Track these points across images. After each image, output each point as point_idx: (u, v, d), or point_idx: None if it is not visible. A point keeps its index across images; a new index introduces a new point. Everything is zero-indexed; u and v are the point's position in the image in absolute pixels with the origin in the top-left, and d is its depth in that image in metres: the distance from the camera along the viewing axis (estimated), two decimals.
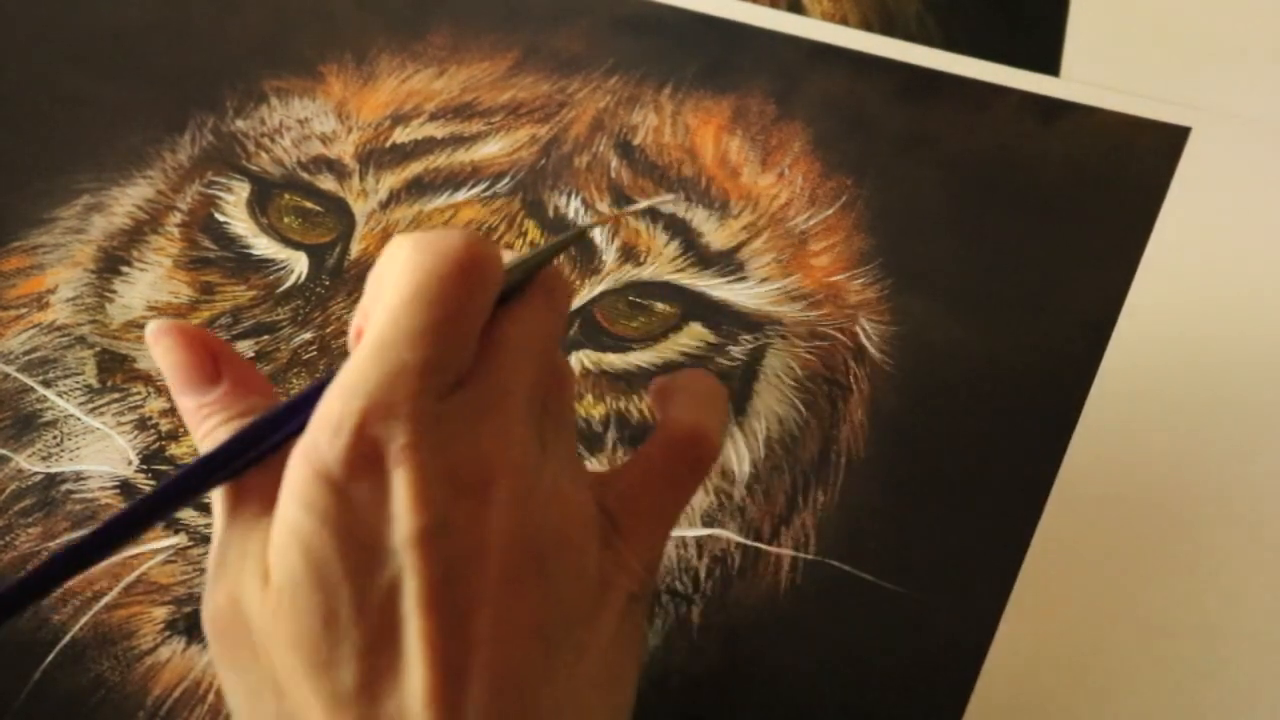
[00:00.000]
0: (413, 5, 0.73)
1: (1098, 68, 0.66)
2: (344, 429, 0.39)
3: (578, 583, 0.41)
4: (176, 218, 0.64)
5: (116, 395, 0.58)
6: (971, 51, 0.68)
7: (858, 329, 0.58)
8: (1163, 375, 0.57)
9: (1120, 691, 0.49)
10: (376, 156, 0.66)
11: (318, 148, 0.66)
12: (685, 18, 0.71)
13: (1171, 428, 0.55)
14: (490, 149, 0.66)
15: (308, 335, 0.59)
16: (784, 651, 0.50)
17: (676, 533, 0.53)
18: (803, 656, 0.49)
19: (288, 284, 0.61)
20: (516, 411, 0.41)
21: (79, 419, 0.57)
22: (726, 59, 0.69)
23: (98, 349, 0.60)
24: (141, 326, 0.60)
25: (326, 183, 0.65)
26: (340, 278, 0.61)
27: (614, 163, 0.65)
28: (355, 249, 0.62)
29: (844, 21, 0.70)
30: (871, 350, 0.58)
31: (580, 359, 0.58)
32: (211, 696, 0.50)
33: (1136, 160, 0.64)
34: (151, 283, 0.62)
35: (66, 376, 0.59)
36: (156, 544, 0.54)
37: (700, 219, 0.62)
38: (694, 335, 0.59)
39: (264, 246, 0.63)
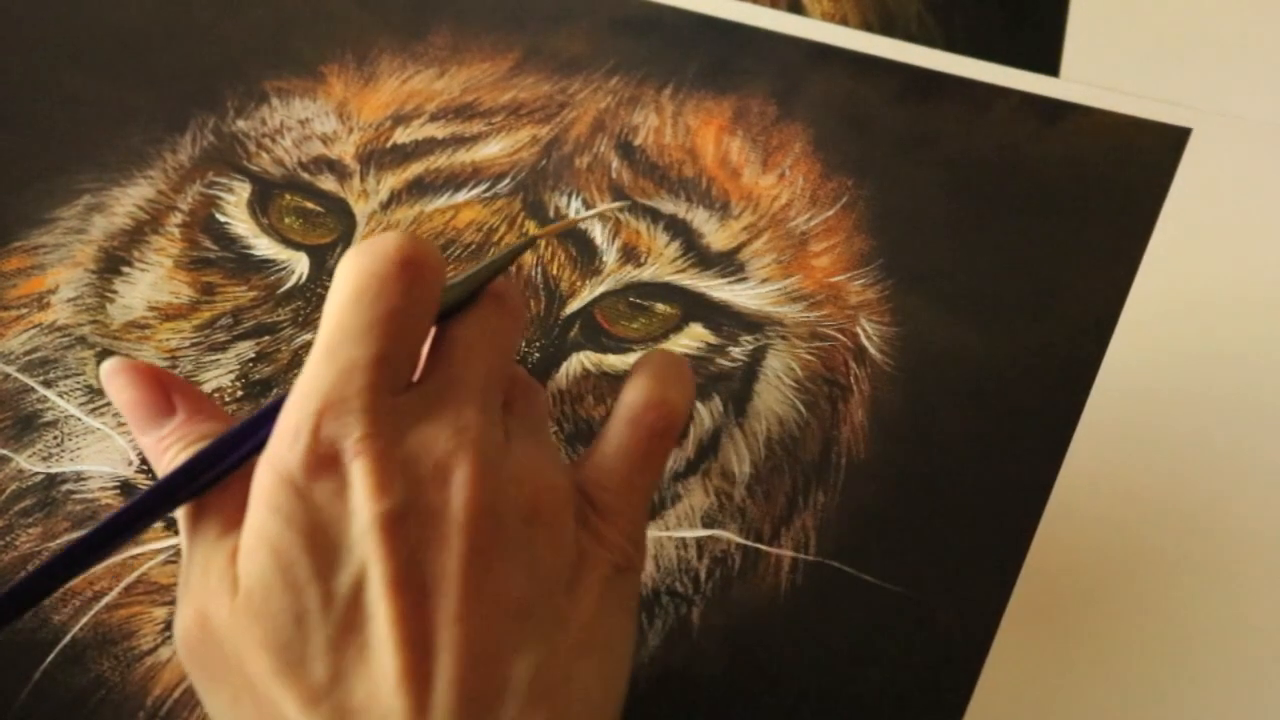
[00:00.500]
0: (414, 5, 0.73)
1: (1098, 68, 0.66)
2: (302, 432, 0.40)
3: (553, 555, 0.41)
4: (177, 218, 0.64)
5: None
6: (971, 51, 0.68)
7: (858, 330, 0.58)
8: (1164, 376, 0.57)
9: (1121, 694, 0.49)
10: (377, 157, 0.66)
11: (318, 148, 0.66)
12: (686, 18, 0.71)
13: (1172, 429, 0.55)
14: (491, 149, 0.66)
15: (308, 336, 0.59)
16: (784, 653, 0.50)
17: (677, 533, 0.53)
18: (803, 658, 0.49)
19: (288, 285, 0.61)
20: (473, 400, 0.42)
21: (79, 419, 0.57)
22: (728, 60, 0.69)
23: (98, 349, 0.60)
24: (143, 327, 0.60)
25: (327, 183, 0.65)
26: None
27: (615, 163, 0.65)
28: None
29: (844, 21, 0.70)
30: (872, 351, 0.58)
31: (581, 360, 0.58)
32: None
33: (1137, 161, 0.64)
34: (152, 283, 0.62)
35: (67, 377, 0.59)
36: (157, 544, 0.54)
37: (701, 220, 0.62)
38: (694, 336, 0.58)
39: (265, 247, 0.63)
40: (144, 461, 0.56)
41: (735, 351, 0.58)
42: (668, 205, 0.63)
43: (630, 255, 0.61)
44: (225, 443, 0.42)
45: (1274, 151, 0.64)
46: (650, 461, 0.46)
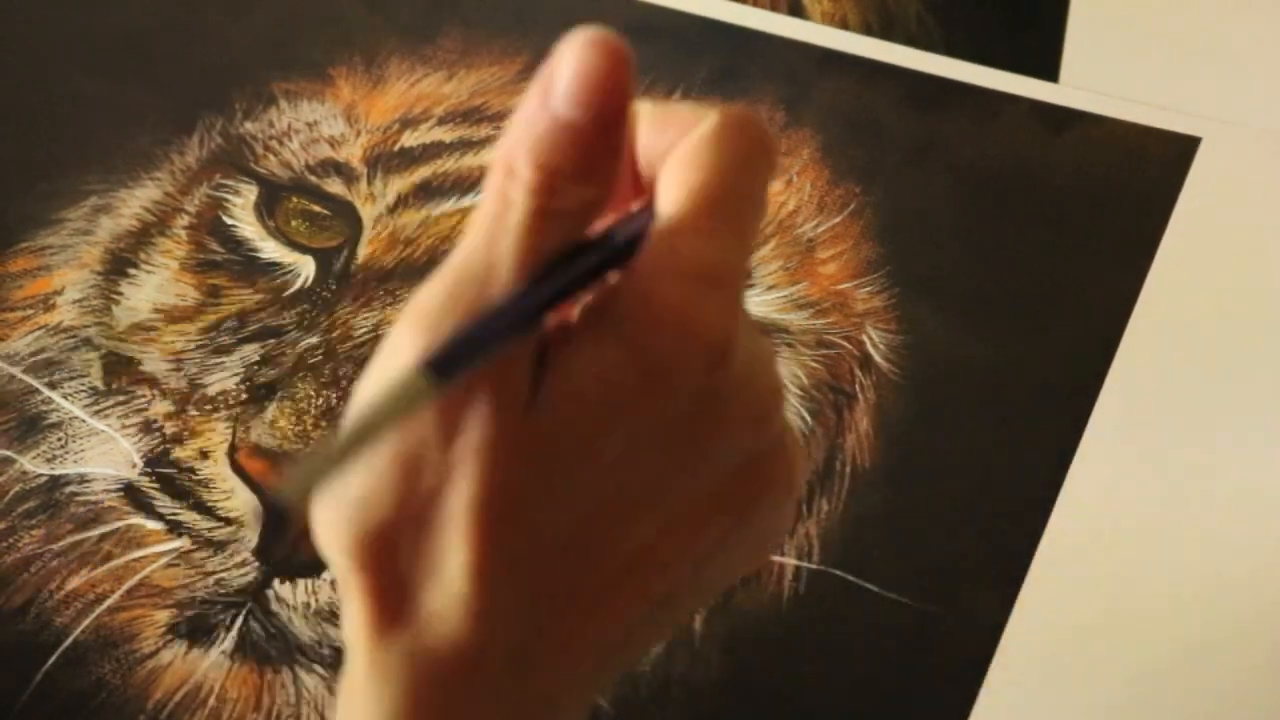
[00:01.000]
0: (423, 9, 0.73)
1: (1098, 73, 0.66)
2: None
3: None
4: (184, 220, 0.64)
5: (122, 398, 0.58)
6: (971, 53, 0.68)
7: (864, 337, 0.58)
8: (1170, 385, 0.56)
9: (1124, 703, 0.49)
10: (385, 160, 0.65)
11: (326, 151, 0.66)
12: (695, 23, 0.71)
13: (1179, 438, 0.55)
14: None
15: (314, 339, 0.59)
16: (786, 661, 0.50)
17: None
18: (805, 666, 0.49)
19: (294, 288, 0.61)
20: None
21: (84, 421, 0.57)
22: (736, 65, 0.69)
23: (104, 351, 0.60)
24: (148, 329, 0.60)
25: (334, 186, 0.65)
26: (347, 282, 0.61)
27: None
28: (362, 253, 0.62)
29: (844, 21, 0.69)
30: (878, 359, 0.58)
31: None
32: (212, 700, 0.50)
33: (1146, 170, 0.64)
34: (158, 285, 0.62)
35: (72, 378, 0.59)
36: (159, 547, 0.54)
37: None
38: None
39: (271, 250, 0.63)
40: (146, 464, 0.56)
41: None
42: None
43: None
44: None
45: None
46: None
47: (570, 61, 0.35)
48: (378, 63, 0.70)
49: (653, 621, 0.39)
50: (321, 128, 0.67)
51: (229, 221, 0.64)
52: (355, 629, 0.35)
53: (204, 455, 0.56)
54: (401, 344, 0.34)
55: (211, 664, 0.51)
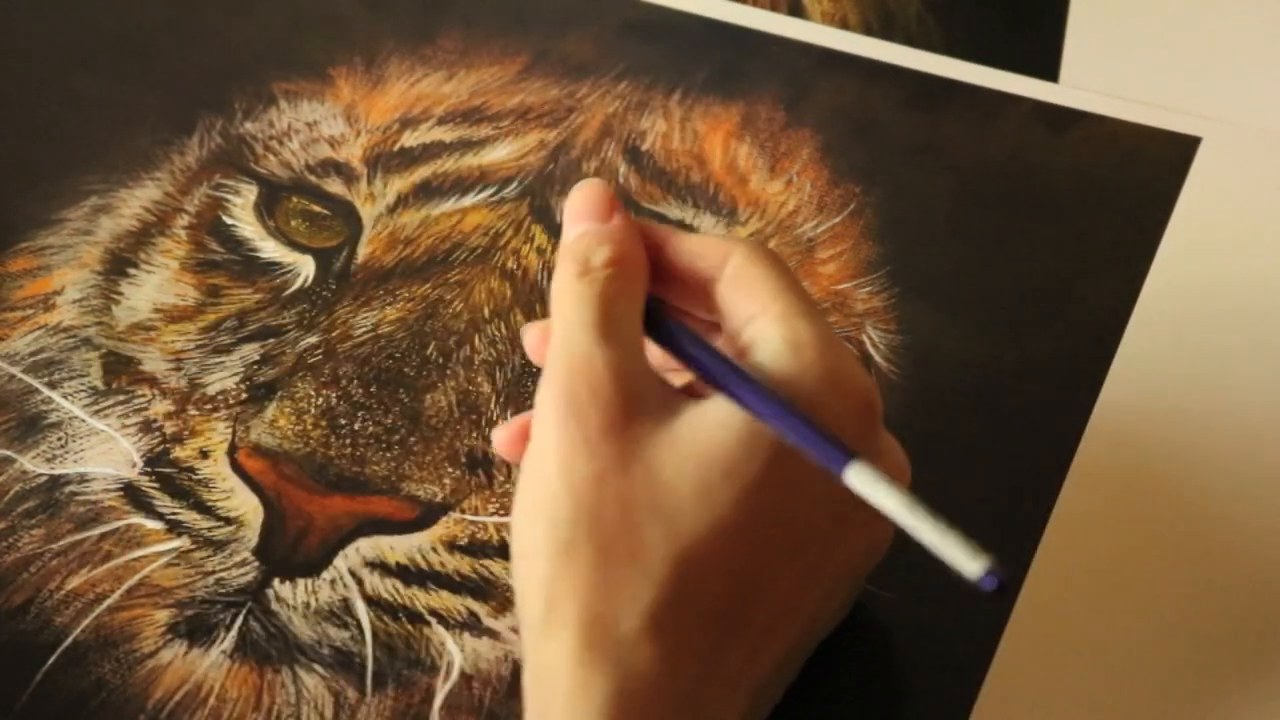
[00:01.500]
0: (422, 9, 0.73)
1: (1098, 73, 0.66)
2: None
3: None
4: (184, 220, 0.64)
5: (121, 397, 0.58)
6: (971, 53, 0.68)
7: (864, 337, 0.58)
8: (1170, 385, 0.56)
9: (1124, 705, 0.49)
10: (384, 160, 0.66)
11: (326, 151, 0.66)
12: (695, 23, 0.71)
13: (1179, 437, 0.55)
14: (498, 154, 0.66)
15: (313, 339, 0.59)
16: None
17: None
18: (803, 667, 0.49)
19: (294, 287, 0.61)
20: None
21: (84, 421, 0.57)
22: (736, 65, 0.69)
23: (103, 351, 0.60)
24: (148, 329, 0.60)
25: (334, 186, 0.65)
26: (347, 282, 0.61)
27: (622, 168, 0.65)
28: (362, 253, 0.62)
29: (844, 21, 0.69)
30: (878, 359, 0.58)
31: None
32: (212, 700, 0.50)
33: (1146, 169, 0.64)
34: (158, 285, 0.62)
35: (72, 378, 0.59)
36: (159, 546, 0.54)
37: (708, 225, 0.62)
38: None
39: (271, 250, 0.63)
40: (147, 463, 0.56)
41: None
42: (675, 211, 0.63)
43: None
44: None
45: None
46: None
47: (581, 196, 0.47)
48: (377, 63, 0.70)
49: (789, 663, 0.46)
50: (321, 128, 0.67)
51: (229, 221, 0.64)
52: (561, 655, 0.41)
53: (204, 455, 0.56)
54: (569, 440, 0.42)
55: (211, 663, 0.51)
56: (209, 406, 0.57)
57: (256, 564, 0.53)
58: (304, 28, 0.72)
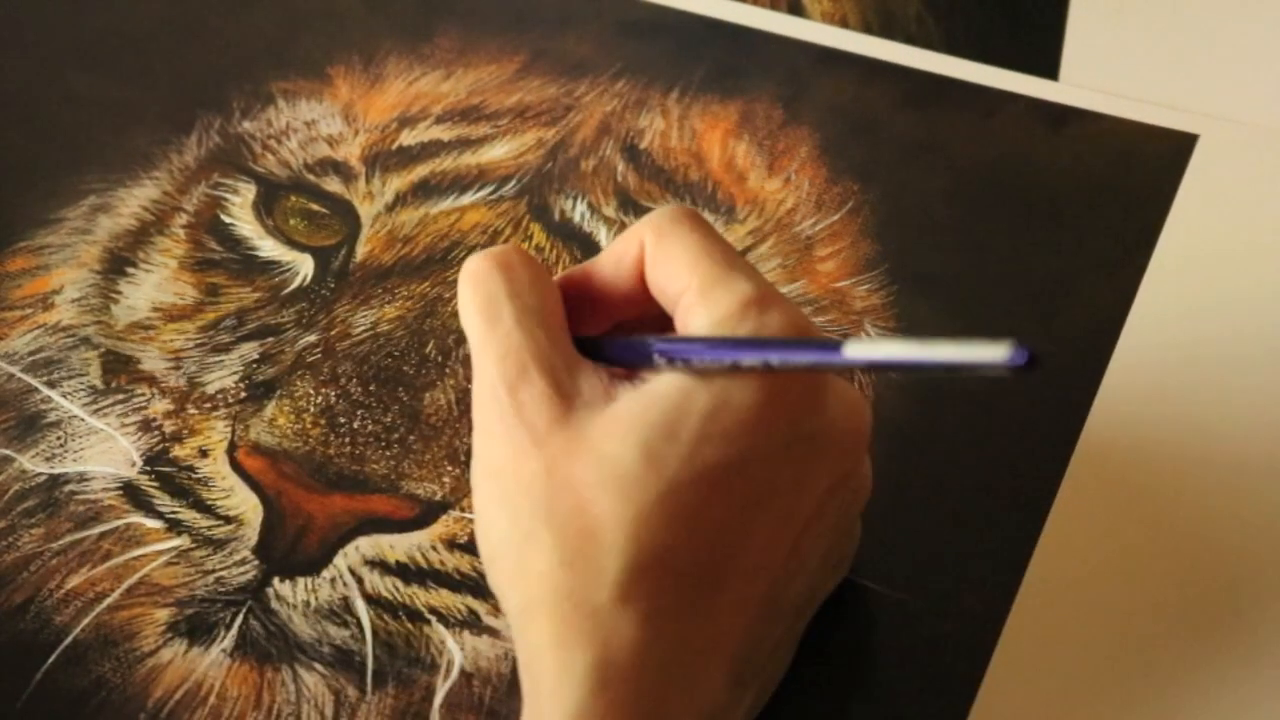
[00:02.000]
0: (420, 8, 0.73)
1: (1098, 72, 0.66)
2: None
3: None
4: (182, 219, 0.64)
5: (120, 396, 0.58)
6: (971, 52, 0.68)
7: (863, 335, 0.58)
8: (1169, 383, 0.56)
9: (1124, 703, 0.49)
10: (383, 159, 0.66)
11: (324, 150, 0.66)
12: (693, 22, 0.71)
13: (1177, 435, 0.55)
14: (496, 152, 0.66)
15: (312, 338, 0.59)
16: None
17: None
18: (803, 665, 0.49)
19: (293, 286, 0.61)
20: None
21: (83, 420, 0.57)
22: (734, 63, 0.69)
23: (102, 350, 0.60)
24: (147, 328, 0.60)
25: (333, 185, 0.65)
26: (345, 280, 0.61)
27: (620, 167, 0.65)
28: (360, 251, 0.62)
29: (844, 21, 0.70)
30: None
31: None
32: (212, 699, 0.50)
33: (1143, 167, 0.64)
34: (157, 284, 0.62)
35: (71, 377, 0.59)
36: (158, 545, 0.54)
37: None
38: None
39: (269, 248, 0.63)
40: (146, 462, 0.56)
41: None
42: None
43: None
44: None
45: None
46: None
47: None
48: (375, 62, 0.70)
49: (778, 620, 0.46)
50: (320, 126, 0.67)
51: (227, 220, 0.64)
52: (542, 638, 0.42)
53: (203, 453, 0.56)
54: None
55: (211, 662, 0.51)
56: (208, 405, 0.57)
57: (256, 563, 0.53)
58: (302, 27, 0.72)
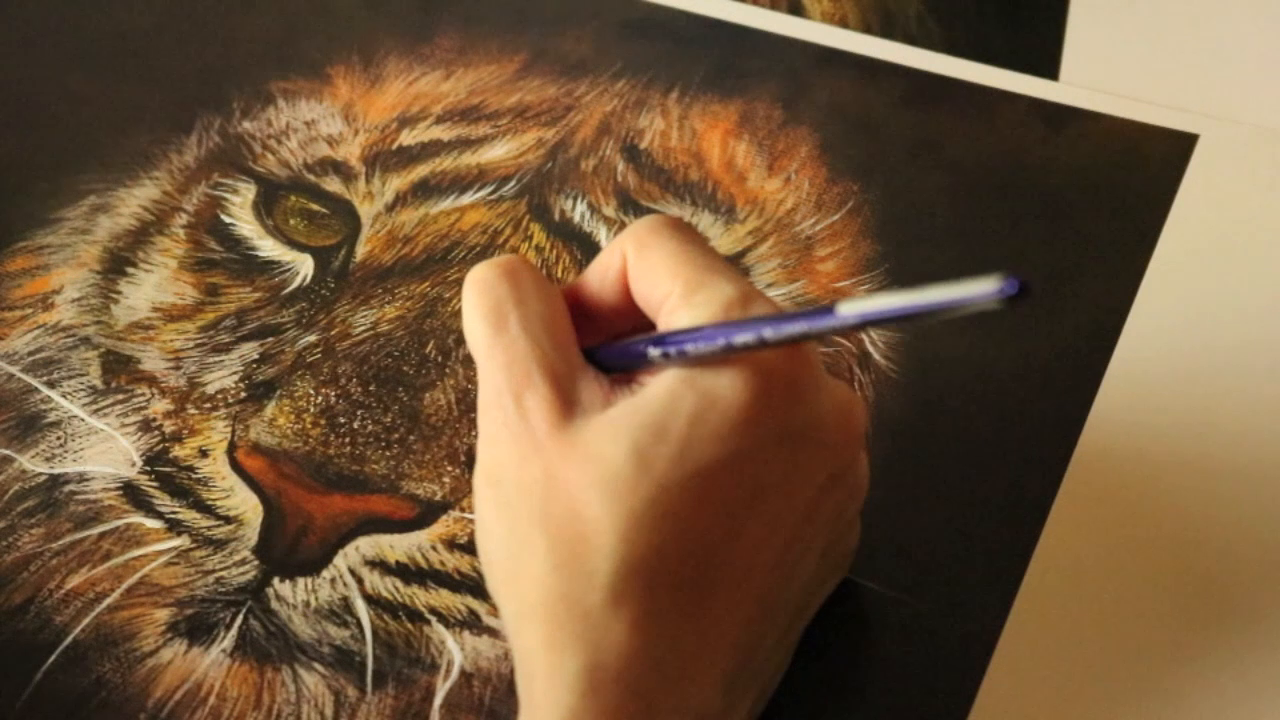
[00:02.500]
0: (420, 8, 0.73)
1: (1097, 72, 0.66)
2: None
3: None
4: (182, 219, 0.64)
5: (120, 396, 0.58)
6: (971, 52, 0.68)
7: (863, 335, 0.58)
8: (1169, 383, 0.56)
9: (1123, 703, 0.49)
10: (383, 159, 0.66)
11: (324, 150, 0.66)
12: (693, 22, 0.71)
13: (1177, 434, 0.55)
14: (496, 152, 0.66)
15: (312, 338, 0.59)
16: None
17: None
18: (803, 665, 0.49)
19: (293, 286, 0.61)
20: None
21: (83, 420, 0.57)
22: (734, 63, 0.69)
23: (102, 350, 0.60)
24: (147, 328, 0.60)
25: (333, 185, 0.65)
26: (345, 280, 0.61)
27: (620, 166, 0.65)
28: (360, 251, 0.62)
29: (844, 21, 0.70)
30: (876, 357, 0.58)
31: None
32: (212, 699, 0.50)
33: (1144, 167, 0.64)
34: (157, 284, 0.62)
35: (71, 377, 0.59)
36: (158, 546, 0.54)
37: (706, 224, 0.62)
38: None
39: (269, 248, 0.63)
40: (146, 462, 0.56)
41: None
42: (673, 209, 0.63)
43: None
44: None
45: None
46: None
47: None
48: (375, 61, 0.70)
49: (773, 620, 0.46)
50: (319, 126, 0.67)
51: (227, 220, 0.64)
52: (535, 642, 0.42)
53: (203, 453, 0.56)
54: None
55: (211, 662, 0.51)
56: (208, 405, 0.57)
57: (256, 563, 0.53)
58: (302, 27, 0.72)
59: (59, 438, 0.57)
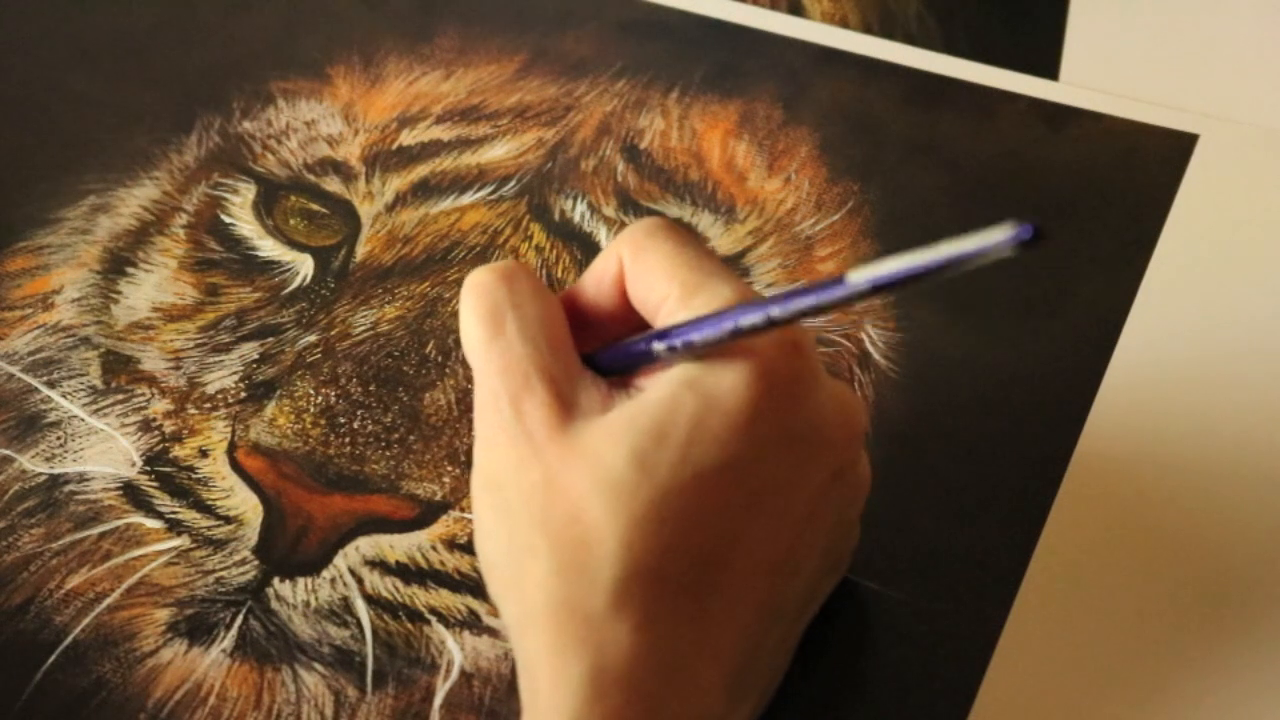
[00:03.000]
0: (420, 7, 0.73)
1: (1098, 72, 0.66)
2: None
3: None
4: (182, 219, 0.64)
5: (120, 396, 0.58)
6: (971, 52, 0.68)
7: (863, 335, 0.58)
8: (1169, 383, 0.57)
9: (1123, 703, 0.49)
10: (383, 159, 0.66)
11: (324, 150, 0.66)
12: (693, 22, 0.71)
13: (1177, 434, 0.55)
14: (496, 152, 0.66)
15: (312, 338, 0.59)
16: None
17: None
18: (803, 665, 0.49)
19: (293, 286, 0.61)
20: None
21: (83, 420, 0.57)
22: (734, 63, 0.69)
23: (102, 350, 0.60)
24: (147, 328, 0.60)
25: (333, 185, 0.65)
26: (345, 280, 0.61)
27: (620, 166, 0.65)
28: (360, 251, 0.62)
29: (844, 21, 0.70)
30: (876, 356, 0.58)
31: None
32: (212, 699, 0.50)
33: (1143, 167, 0.64)
34: (157, 284, 0.62)
35: (71, 377, 0.59)
36: (158, 546, 0.54)
37: (706, 224, 0.62)
38: None
39: (269, 248, 0.63)
40: (146, 462, 0.56)
41: None
42: (673, 209, 0.63)
43: None
44: None
45: None
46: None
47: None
48: (375, 61, 0.70)
49: (776, 621, 0.46)
50: (319, 126, 0.67)
51: (227, 220, 0.64)
52: (538, 646, 0.42)
53: (203, 453, 0.56)
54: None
55: (211, 662, 0.51)
56: (208, 405, 0.57)
57: (256, 563, 0.53)
58: (302, 27, 0.72)
59: (59, 438, 0.57)
